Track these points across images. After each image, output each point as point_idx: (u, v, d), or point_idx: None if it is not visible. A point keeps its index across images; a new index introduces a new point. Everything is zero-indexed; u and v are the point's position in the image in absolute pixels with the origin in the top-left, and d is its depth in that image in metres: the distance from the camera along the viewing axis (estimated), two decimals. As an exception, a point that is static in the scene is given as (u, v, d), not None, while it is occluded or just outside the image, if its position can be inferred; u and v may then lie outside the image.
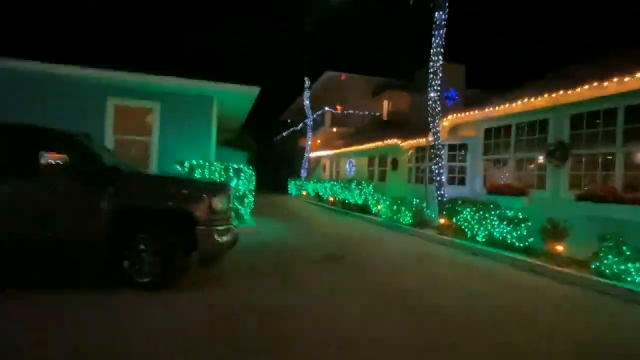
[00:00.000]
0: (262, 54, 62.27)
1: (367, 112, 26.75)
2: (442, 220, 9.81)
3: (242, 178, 9.64)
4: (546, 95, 7.68)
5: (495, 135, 9.84)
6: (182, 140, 10.06)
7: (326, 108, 26.61)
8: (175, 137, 10.02)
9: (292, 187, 26.18)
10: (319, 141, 28.67)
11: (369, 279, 5.70)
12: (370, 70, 28.02)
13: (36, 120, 5.26)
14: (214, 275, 5.45)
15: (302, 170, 27.15)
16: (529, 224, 7.63)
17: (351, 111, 26.56)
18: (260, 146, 37.95)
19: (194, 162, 9.14)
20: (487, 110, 9.37)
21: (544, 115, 8.39)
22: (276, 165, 39.92)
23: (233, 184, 9.49)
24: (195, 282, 5.08)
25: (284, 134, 38.97)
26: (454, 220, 9.40)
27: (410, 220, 10.95)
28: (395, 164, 14.61)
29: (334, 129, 26.42)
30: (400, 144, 13.30)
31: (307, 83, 26.17)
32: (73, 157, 4.59)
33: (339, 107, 27.27)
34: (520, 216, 7.68)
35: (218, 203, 4.93)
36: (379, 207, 13.09)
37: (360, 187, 14.39)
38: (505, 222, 7.73)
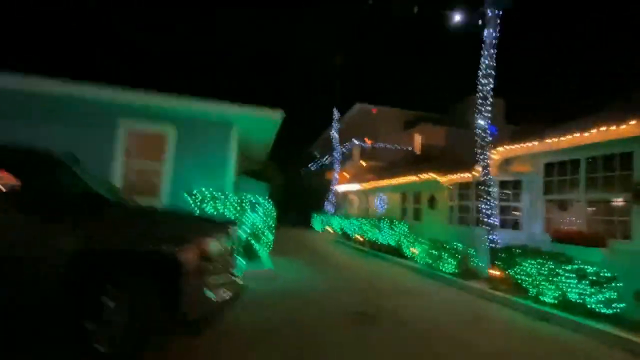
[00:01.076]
0: (292, 82, 63.38)
1: (398, 146, 25.52)
2: (494, 272, 8.13)
3: (259, 212, 8.46)
4: (635, 120, 6.17)
5: (559, 171, 8.26)
6: (196, 168, 9.11)
7: (355, 141, 25.61)
8: (190, 165, 9.09)
9: (317, 222, 24.85)
10: (347, 175, 27.50)
11: (414, 352, 4.19)
12: (402, 103, 27.12)
13: (41, 143, 4.20)
14: (203, 342, 4.12)
15: (329, 205, 25.86)
16: (619, 284, 5.91)
17: (382, 144, 25.44)
18: (286, 179, 37.22)
19: (206, 192, 8.09)
20: (548, 140, 7.88)
21: (625, 148, 6.82)
22: (302, 199, 38.86)
23: (249, 218, 8.32)
24: (180, 351, 3.78)
25: (310, 166, 38.21)
26: (511, 273, 7.72)
27: (454, 269, 9.29)
28: (432, 201, 13.08)
29: (363, 163, 25.25)
30: (440, 179, 11.85)
31: (335, 115, 25.43)
32: (34, 183, 3.55)
33: (368, 141, 26.25)
34: (607, 274, 5.98)
35: (214, 246, 3.72)
36: (415, 250, 11.48)
37: (392, 226, 12.87)
38: (586, 281, 6.04)
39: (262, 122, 9.30)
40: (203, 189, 8.13)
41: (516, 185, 9.44)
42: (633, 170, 6.68)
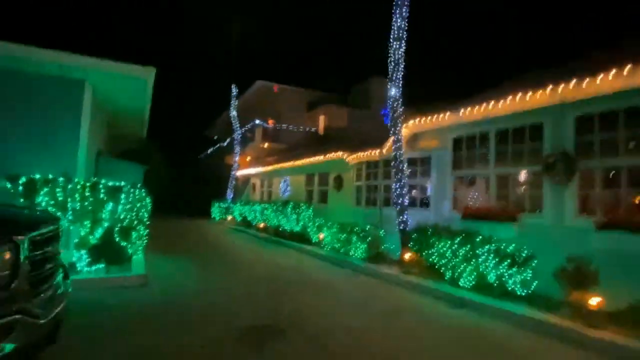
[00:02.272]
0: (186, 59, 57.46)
1: (301, 128, 24.49)
2: (407, 255, 7.48)
3: (123, 202, 6.37)
4: (549, 88, 5.81)
5: (468, 145, 7.89)
6: (29, 143, 6.56)
7: (257, 121, 23.82)
8: (17, 138, 6.50)
9: (215, 210, 22.59)
10: (248, 158, 25.61)
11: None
12: (305, 83, 26.01)
13: None
14: None
15: (229, 191, 23.74)
16: (534, 263, 5.56)
17: (284, 126, 24.11)
18: (182, 166, 33.64)
19: (38, 176, 5.71)
20: (462, 112, 7.37)
21: (535, 119, 6.56)
22: (201, 186, 35.68)
23: (106, 210, 6.18)
24: None
25: (209, 151, 35.14)
26: (424, 255, 7.12)
27: (364, 254, 8.48)
28: (339, 183, 12.23)
29: (265, 145, 23.68)
30: (347, 159, 11.00)
31: (234, 91, 23.19)
32: None
33: (270, 121, 24.69)
34: (525, 253, 5.57)
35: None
36: (321, 235, 10.48)
37: (297, 211, 11.69)
38: (505, 262, 5.55)
39: (127, 82, 7.09)
40: (36, 174, 5.73)
41: (424, 162, 8.96)
42: (543, 142, 6.44)
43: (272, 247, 11.55)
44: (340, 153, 11.21)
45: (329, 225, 9.96)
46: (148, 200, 8.23)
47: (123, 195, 6.29)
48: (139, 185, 6.89)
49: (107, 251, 6.96)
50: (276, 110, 24.95)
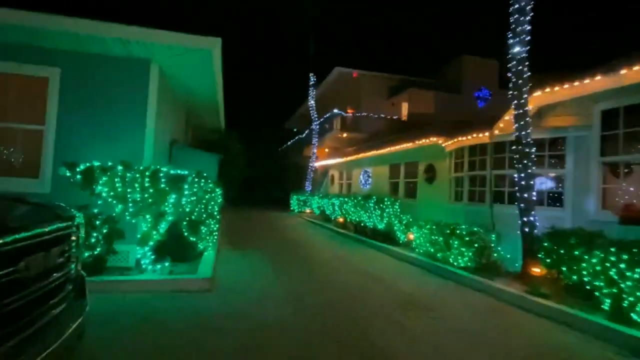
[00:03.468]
0: (262, 49, 58.44)
1: (382, 115, 22.73)
2: (534, 269, 5.60)
3: (187, 193, 5.57)
4: None
5: (627, 120, 5.66)
6: (93, 129, 6.12)
7: (335, 110, 22.66)
8: (85, 124, 6.08)
9: (294, 202, 22.11)
10: (326, 150, 24.70)
11: None
12: (386, 67, 24.17)
13: None
14: None
15: (307, 183, 23.12)
16: None
17: (364, 114, 22.58)
18: (262, 159, 34.17)
19: (97, 163, 5.12)
20: (623, 72, 5.21)
21: None
22: (280, 179, 36.03)
23: (170, 201, 5.42)
24: None
25: (288, 144, 35.20)
26: (562, 271, 5.19)
27: (469, 263, 6.74)
28: (431, 174, 10.46)
29: (344, 135, 22.41)
30: (443, 144, 9.22)
31: (312, 80, 22.32)
32: None
33: (350, 110, 23.36)
34: None
35: None
36: (411, 236, 8.90)
37: (381, 206, 10.22)
38: None
39: (193, 57, 6.28)
40: (95, 162, 5.16)
41: (555, 145, 6.84)
42: None
43: (352, 246, 10.27)
44: (434, 138, 9.45)
45: (421, 224, 8.33)
46: (218, 191, 7.48)
47: (186, 186, 5.49)
48: (205, 174, 6.07)
49: (173, 247, 6.32)
50: (356, 98, 23.54)
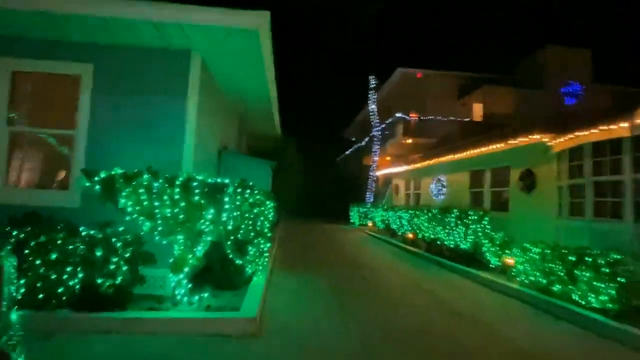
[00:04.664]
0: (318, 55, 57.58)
1: (451, 118, 20.53)
2: None
3: (228, 207, 4.38)
4: None
5: None
6: (130, 132, 5.26)
7: (398, 114, 20.92)
8: (119, 128, 5.25)
9: (354, 215, 20.63)
10: (388, 158, 22.95)
11: None
12: (454, 66, 21.98)
13: None
14: None
15: (368, 194, 21.54)
16: None
17: (431, 117, 20.56)
18: (321, 169, 33.28)
19: (119, 171, 4.13)
20: None
21: None
22: (338, 190, 34.78)
23: (207, 217, 4.27)
24: None
25: (347, 153, 33.94)
26: None
27: (609, 304, 4.78)
28: (529, 181, 8.43)
29: (409, 140, 20.54)
30: (550, 143, 7.25)
31: (373, 83, 20.87)
32: None
33: (413, 114, 21.47)
34: None
35: None
36: (510, 260, 6.99)
37: (465, 221, 8.40)
38: None
39: (236, 40, 5.17)
40: (117, 169, 4.19)
41: None
42: None
43: (429, 270, 8.52)
44: (537, 135, 7.48)
45: (526, 247, 6.43)
46: (270, 204, 6.28)
47: (227, 198, 4.31)
48: (251, 184, 4.88)
49: (216, 273, 5.19)
50: (421, 101, 21.61)
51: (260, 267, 5.88)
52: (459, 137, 18.12)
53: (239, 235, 5.17)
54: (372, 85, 21.28)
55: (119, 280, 4.05)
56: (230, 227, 4.69)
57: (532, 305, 5.73)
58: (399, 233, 13.21)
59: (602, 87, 20.03)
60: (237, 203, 4.52)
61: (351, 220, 20.97)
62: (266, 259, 6.04)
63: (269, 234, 5.97)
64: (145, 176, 4.07)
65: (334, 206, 30.18)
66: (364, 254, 10.50)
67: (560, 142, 7.04)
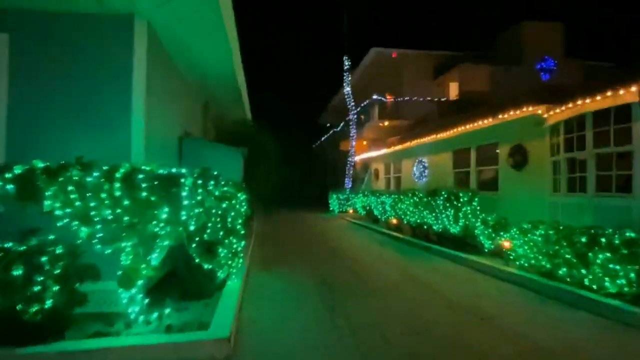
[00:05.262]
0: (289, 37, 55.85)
1: (428, 99, 20.08)
2: None
3: (187, 203, 3.53)
4: None
5: None
6: (63, 116, 4.27)
7: (374, 96, 20.28)
8: (48, 110, 4.25)
9: (334, 202, 19.99)
10: (365, 142, 22.36)
11: None
12: (429, 45, 21.45)
13: None
14: None
15: (347, 180, 20.92)
16: None
17: (407, 98, 20.03)
18: (297, 158, 32.46)
19: (39, 164, 3.20)
20: None
21: None
22: (317, 178, 34.11)
23: (161, 217, 3.42)
24: None
25: (323, 140, 33.17)
26: None
27: (626, 288, 4.31)
28: (520, 157, 7.95)
29: (386, 123, 20.00)
30: (545, 115, 6.73)
31: (347, 64, 20.06)
32: None
33: (389, 96, 20.88)
34: None
35: None
36: (507, 243, 6.49)
37: (455, 203, 7.85)
38: None
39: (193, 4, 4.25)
40: (36, 162, 3.26)
41: None
42: None
43: (418, 256, 7.97)
44: (530, 107, 6.94)
45: (525, 227, 5.92)
46: (242, 197, 5.45)
47: (184, 192, 3.46)
48: (215, 173, 4.04)
49: (180, 281, 4.37)
50: (396, 82, 21.02)
51: (235, 270, 5.08)
52: (436, 117, 17.70)
53: (205, 236, 4.34)
54: (347, 67, 20.47)
55: (48, 304, 3.16)
56: (192, 227, 3.85)
57: (536, 292, 5.23)
58: (382, 219, 12.66)
59: (574, 62, 20.04)
60: (199, 198, 3.68)
61: (330, 208, 20.35)
62: (241, 260, 5.24)
63: (242, 231, 5.15)
64: (76, 171, 3.16)
65: (312, 194, 29.51)
66: (348, 244, 9.86)
67: (555, 114, 6.53)
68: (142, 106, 4.48)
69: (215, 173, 3.99)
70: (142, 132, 4.46)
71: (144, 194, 3.26)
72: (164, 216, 3.47)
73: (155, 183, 3.28)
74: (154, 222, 3.44)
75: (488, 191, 8.91)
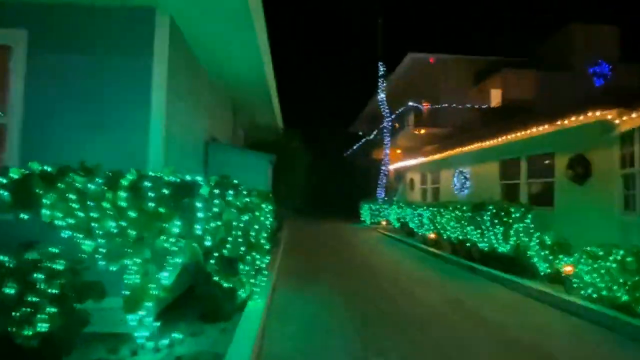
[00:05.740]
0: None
1: (468, 106, 19.04)
2: None
3: (202, 215, 3.07)
4: None
5: None
6: (76, 113, 3.98)
7: (410, 103, 19.50)
8: (64, 111, 3.98)
9: (365, 212, 19.27)
10: (398, 151, 21.54)
11: None
12: (468, 49, 20.46)
13: None
14: None
15: (379, 190, 20.15)
16: None
17: (445, 105, 19.08)
18: (327, 164, 31.99)
19: (37, 168, 2.84)
20: None
21: None
22: (348, 186, 33.43)
23: (173, 230, 2.97)
24: None
25: (355, 148, 32.53)
26: None
27: None
28: (581, 170, 7.01)
29: (422, 131, 19.10)
30: (616, 121, 5.84)
31: (382, 70, 19.45)
32: None
33: (425, 104, 20.00)
34: None
35: None
36: (568, 268, 5.59)
37: (505, 219, 7.01)
38: None
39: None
40: (34, 165, 2.91)
41: None
42: None
43: (462, 278, 7.17)
44: (597, 113, 6.05)
45: (594, 252, 5.04)
46: (267, 207, 4.97)
47: (199, 203, 3.00)
48: (236, 182, 3.57)
49: (194, 304, 3.91)
50: (433, 88, 20.11)
51: (258, 289, 4.58)
52: (478, 125, 16.66)
53: (225, 251, 3.87)
54: (382, 73, 19.83)
55: (42, 327, 2.76)
56: (209, 243, 3.38)
57: (610, 329, 4.36)
58: (418, 233, 11.84)
59: (630, 66, 18.37)
60: (216, 210, 3.21)
61: (362, 219, 19.63)
62: (264, 278, 4.73)
63: (267, 246, 4.65)
64: (76, 176, 2.77)
65: (343, 204, 28.85)
66: (383, 259, 9.16)
67: (631, 119, 5.60)
68: (162, 107, 4.11)
69: (236, 182, 3.52)
70: (161, 134, 4.08)
71: (152, 204, 2.81)
72: (176, 230, 3.02)
73: (165, 192, 2.83)
74: (164, 237, 2.99)
75: (541, 206, 7.96)
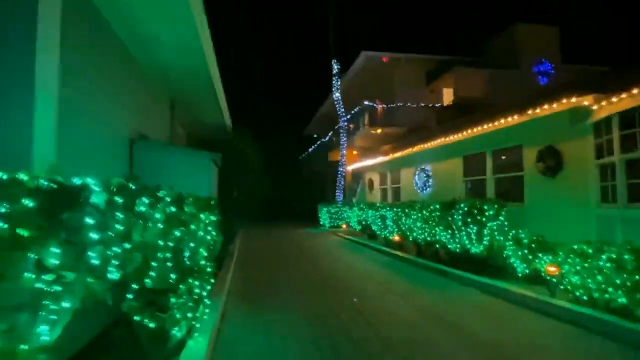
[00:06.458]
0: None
1: (422, 105, 19.00)
2: None
3: (97, 237, 2.03)
4: None
5: None
6: None
7: (365, 102, 19.10)
8: None
9: (324, 216, 18.53)
10: (355, 152, 21.07)
11: None
12: (421, 48, 20.48)
13: None
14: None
15: (337, 192, 19.52)
16: None
17: (400, 104, 18.90)
18: (281, 168, 31.07)
19: None
20: None
21: None
22: (302, 188, 32.65)
23: (49, 262, 1.88)
24: None
25: (310, 151, 31.84)
26: None
27: None
28: (552, 162, 6.68)
29: (378, 131, 18.75)
30: (594, 106, 5.49)
31: (336, 68, 18.89)
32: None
33: (379, 103, 19.70)
34: None
35: None
36: (553, 269, 5.11)
37: (479, 218, 6.49)
38: None
39: None
40: None
41: None
42: None
43: (435, 284, 6.55)
44: (572, 99, 5.67)
45: (581, 250, 4.58)
46: (209, 219, 3.95)
47: (90, 219, 1.96)
48: (153, 186, 2.55)
49: (105, 357, 2.81)
50: (388, 88, 19.91)
51: (199, 324, 3.55)
52: (434, 123, 16.57)
53: (148, 281, 2.82)
54: (336, 71, 19.28)
55: None
56: (115, 275, 2.33)
57: (613, 339, 3.84)
58: (381, 235, 11.23)
59: (568, 66, 19.32)
60: (120, 227, 2.18)
61: (321, 223, 18.86)
62: (207, 309, 3.71)
63: (208, 268, 3.63)
64: None
65: (301, 208, 27.98)
66: (347, 267, 8.37)
67: (608, 105, 5.25)
68: (55, 87, 2.99)
69: (155, 185, 2.50)
70: (52, 124, 2.96)
71: (3, 225, 1.74)
72: (54, 262, 1.95)
73: (28, 204, 1.77)
74: (32, 274, 1.91)
75: (510, 202, 7.59)
